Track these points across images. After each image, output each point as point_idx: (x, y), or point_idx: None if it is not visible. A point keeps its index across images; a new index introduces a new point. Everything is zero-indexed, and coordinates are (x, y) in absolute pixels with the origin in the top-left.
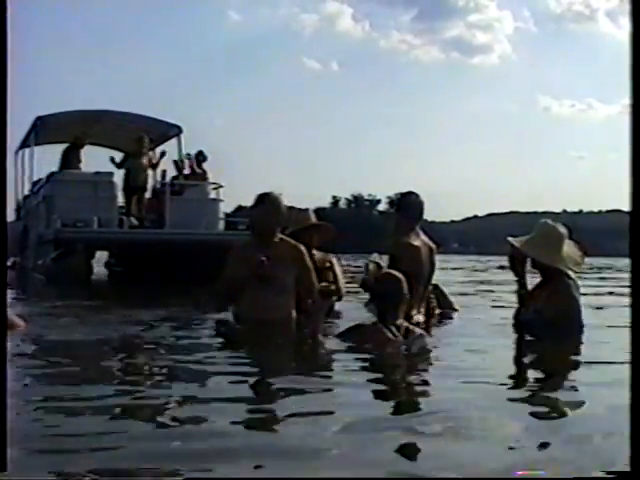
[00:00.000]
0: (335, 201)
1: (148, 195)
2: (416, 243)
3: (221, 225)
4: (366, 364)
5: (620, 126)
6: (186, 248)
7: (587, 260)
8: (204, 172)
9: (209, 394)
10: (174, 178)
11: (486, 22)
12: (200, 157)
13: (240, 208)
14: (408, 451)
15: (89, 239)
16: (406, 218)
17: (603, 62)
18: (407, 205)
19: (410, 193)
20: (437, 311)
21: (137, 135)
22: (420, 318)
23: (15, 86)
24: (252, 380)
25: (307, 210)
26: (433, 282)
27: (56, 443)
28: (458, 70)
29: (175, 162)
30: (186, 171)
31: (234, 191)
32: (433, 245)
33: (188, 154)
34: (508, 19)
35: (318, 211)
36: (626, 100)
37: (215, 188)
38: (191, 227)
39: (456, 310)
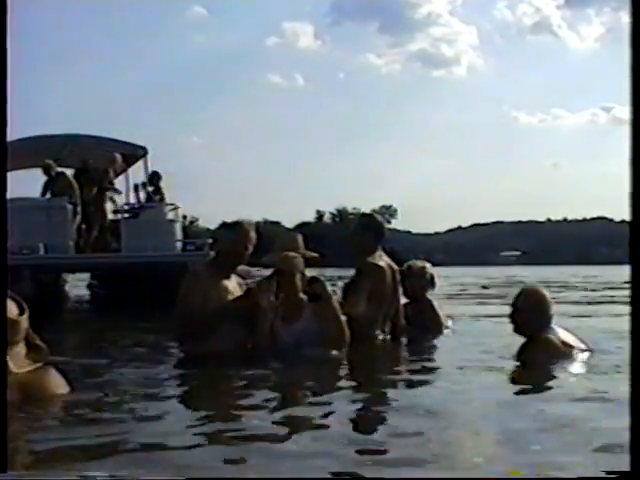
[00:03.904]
0: (319, 215)
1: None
2: (380, 264)
3: (179, 246)
4: None
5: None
6: (138, 271)
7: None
8: (161, 193)
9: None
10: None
11: (452, 36)
12: (155, 178)
13: (224, 225)
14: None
15: (34, 265)
16: (368, 239)
17: (564, 70)
18: (368, 227)
19: (370, 215)
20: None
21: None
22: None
23: None
24: None
25: (295, 236)
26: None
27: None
28: (430, 82)
29: (135, 186)
30: (142, 195)
31: (218, 208)
32: (395, 267)
33: (144, 183)
34: (472, 33)
35: (303, 226)
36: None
37: (173, 209)
38: (146, 249)
39: (447, 327)
